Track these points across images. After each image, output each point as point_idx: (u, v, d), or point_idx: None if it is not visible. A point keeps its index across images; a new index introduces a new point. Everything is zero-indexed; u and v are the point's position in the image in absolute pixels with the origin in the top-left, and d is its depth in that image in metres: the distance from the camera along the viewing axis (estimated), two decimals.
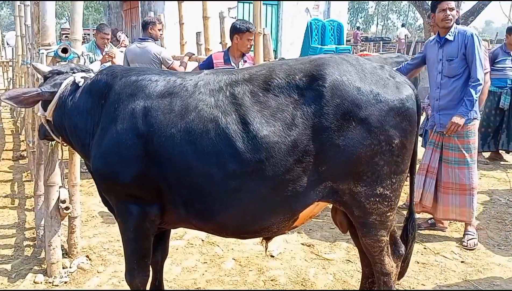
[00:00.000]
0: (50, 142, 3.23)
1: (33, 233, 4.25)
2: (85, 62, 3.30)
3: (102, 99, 2.47)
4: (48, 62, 3.19)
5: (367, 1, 54.25)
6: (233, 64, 4.70)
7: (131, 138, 2.30)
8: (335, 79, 2.22)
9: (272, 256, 3.92)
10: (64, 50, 3.19)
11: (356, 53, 10.52)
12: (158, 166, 2.29)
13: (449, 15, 3.99)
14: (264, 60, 4.57)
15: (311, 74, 2.26)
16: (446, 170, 4.18)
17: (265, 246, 2.78)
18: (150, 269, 2.73)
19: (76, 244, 3.85)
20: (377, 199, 2.34)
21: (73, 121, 2.58)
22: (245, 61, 4.82)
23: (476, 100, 3.97)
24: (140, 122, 2.30)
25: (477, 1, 14.73)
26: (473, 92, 3.91)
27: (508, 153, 7.35)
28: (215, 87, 2.33)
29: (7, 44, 14.93)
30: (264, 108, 2.23)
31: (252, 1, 5.05)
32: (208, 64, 4.74)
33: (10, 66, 12.34)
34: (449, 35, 4.06)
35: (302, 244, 4.19)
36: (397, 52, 21.65)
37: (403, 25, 27.01)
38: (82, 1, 3.34)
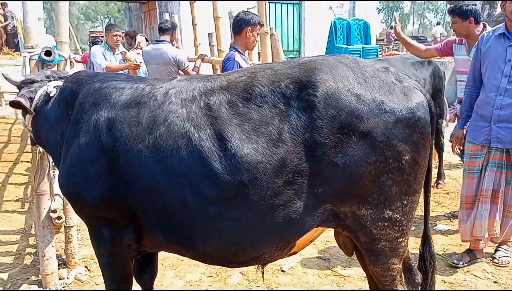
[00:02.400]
0: (38, 148, 3.06)
1: (35, 240, 4.13)
2: (72, 65, 3.12)
3: (69, 109, 2.23)
4: (32, 66, 3.03)
5: (399, 0, 53.23)
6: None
7: (94, 153, 2.04)
8: (329, 87, 1.87)
9: (283, 271, 3.63)
10: (48, 53, 3.02)
11: (385, 53, 10.06)
12: (126, 186, 2.02)
13: None
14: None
15: (299, 81, 1.92)
16: (509, 192, 3.54)
17: (261, 271, 2.42)
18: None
19: (73, 254, 3.71)
20: (386, 224, 2.00)
21: (45, 134, 2.40)
22: None
23: None
24: (104, 136, 2.04)
25: None
26: None
27: None
28: (187, 97, 2.02)
29: None
30: (244, 121, 1.91)
31: (272, 1, 4.64)
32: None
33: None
34: None
35: (317, 257, 3.88)
36: None
37: (438, 24, 26.10)
38: (68, 2, 3.17)
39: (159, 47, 5.64)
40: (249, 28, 3.95)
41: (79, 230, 4.12)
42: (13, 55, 13.07)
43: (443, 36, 22.87)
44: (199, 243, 2.05)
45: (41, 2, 3.09)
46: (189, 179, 1.92)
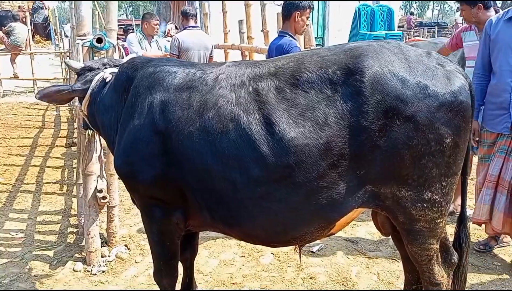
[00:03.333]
0: (87, 131, 3.23)
1: (77, 220, 4.33)
2: (121, 53, 3.25)
3: (124, 94, 2.36)
4: (84, 52, 3.17)
5: None
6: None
7: (148, 135, 2.15)
8: (375, 72, 1.93)
9: (313, 252, 3.76)
10: (99, 40, 3.16)
11: (408, 39, 10.00)
12: (178, 167, 2.13)
13: None
14: (305, 48, 4.35)
15: (346, 67, 1.98)
16: None
17: (299, 252, 2.56)
18: (180, 267, 2.66)
19: (115, 233, 3.88)
20: (425, 205, 2.07)
21: (101, 118, 2.53)
22: None
23: None
24: (157, 118, 2.14)
25: None
26: None
27: None
28: (237, 82, 2.10)
29: (65, 35, 15.56)
30: (291, 106, 1.98)
31: None
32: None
33: (68, 56, 12.85)
34: None
35: (345, 240, 4.00)
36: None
37: (458, 10, 25.57)
38: None
39: (198, 33, 5.85)
40: (298, 12, 3.89)
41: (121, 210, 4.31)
42: (44, 44, 13.33)
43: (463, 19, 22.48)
44: (244, 222, 2.15)
45: None
46: (238, 160, 2.01)
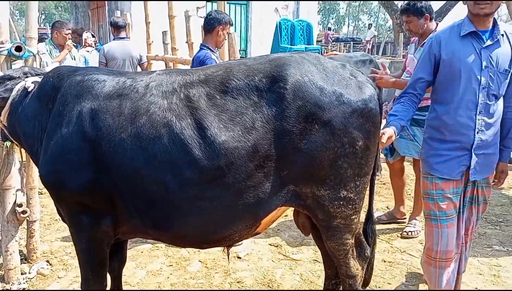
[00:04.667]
0: (5, 143, 3.10)
1: None
2: (41, 61, 3.16)
3: (49, 103, 2.33)
4: (1, 60, 3.05)
5: (338, 2, 55.11)
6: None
7: (77, 142, 2.16)
8: (297, 80, 2.12)
9: (239, 258, 3.88)
10: (18, 49, 3.05)
11: (326, 53, 10.59)
12: (108, 173, 2.16)
13: None
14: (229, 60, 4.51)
15: (271, 76, 2.15)
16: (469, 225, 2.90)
17: (227, 253, 2.69)
18: (108, 277, 2.63)
19: (35, 249, 3.72)
20: (341, 202, 2.28)
21: (23, 128, 2.46)
22: None
23: None
24: (87, 126, 2.16)
25: (445, 1, 15.09)
26: None
27: None
28: (168, 89, 2.20)
29: None
30: (221, 111, 2.12)
31: (218, 0, 4.78)
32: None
33: None
34: (499, 31, 2.60)
35: (270, 244, 4.17)
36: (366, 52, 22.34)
37: (370, 26, 27.47)
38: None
39: (125, 43, 6.05)
40: (221, 27, 4.07)
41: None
42: None
43: (376, 38, 24.20)
44: (177, 223, 2.23)
45: None
46: (171, 164, 2.09)
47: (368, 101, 2.21)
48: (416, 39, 4.20)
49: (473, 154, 2.66)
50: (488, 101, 2.59)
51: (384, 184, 5.91)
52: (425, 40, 3.78)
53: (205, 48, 4.12)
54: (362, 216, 2.60)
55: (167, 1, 6.19)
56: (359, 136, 2.18)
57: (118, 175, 2.16)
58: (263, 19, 10.95)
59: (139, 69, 6.23)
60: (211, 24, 4.08)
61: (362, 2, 49.71)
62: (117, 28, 6.08)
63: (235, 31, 11.01)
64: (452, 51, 2.63)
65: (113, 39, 6.27)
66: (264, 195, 2.18)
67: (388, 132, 2.46)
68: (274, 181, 2.17)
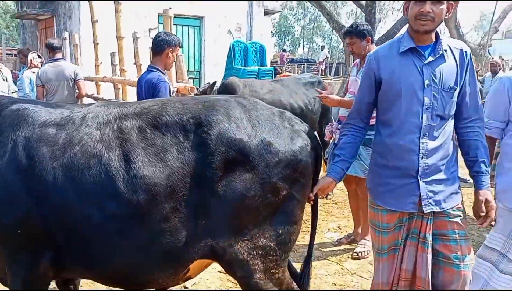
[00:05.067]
0: None
1: None
2: None
3: None
4: None
5: (293, 25, 56.51)
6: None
7: (11, 173, 2.04)
8: (222, 127, 2.07)
9: (186, 287, 3.74)
10: None
11: (280, 74, 10.71)
12: (41, 206, 2.04)
13: (429, 12, 2.25)
14: (177, 82, 4.44)
15: (198, 118, 2.11)
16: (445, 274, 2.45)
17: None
18: None
19: None
20: (260, 252, 2.17)
21: None
22: None
23: None
24: (20, 155, 2.05)
25: (392, 25, 15.71)
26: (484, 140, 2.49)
27: None
28: (103, 120, 2.14)
29: None
30: (149, 146, 2.07)
31: (173, 23, 4.70)
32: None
33: None
34: (443, 46, 2.37)
35: (219, 271, 4.05)
36: (319, 74, 22.97)
37: (323, 48, 28.26)
38: None
39: (59, 64, 5.99)
40: (171, 49, 3.96)
41: None
42: None
43: (328, 59, 24.91)
44: (101, 261, 2.12)
45: None
46: (96, 196, 2.01)
47: (298, 152, 2.17)
48: (358, 61, 4.27)
49: (420, 181, 2.38)
50: (432, 123, 2.35)
51: (336, 203, 5.95)
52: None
53: (154, 70, 3.98)
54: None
55: (115, 22, 6.08)
56: (284, 187, 2.14)
57: (49, 207, 2.04)
58: (217, 41, 10.97)
59: (90, 85, 6.15)
60: (161, 46, 3.96)
61: (315, 25, 51.34)
62: (53, 50, 6.06)
63: (188, 52, 11.00)
64: (392, 69, 2.41)
65: (48, 61, 6.22)
66: (180, 243, 2.08)
67: (321, 185, 2.40)
68: (191, 229, 2.08)
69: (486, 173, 2.44)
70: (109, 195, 2.01)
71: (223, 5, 10.86)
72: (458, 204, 2.46)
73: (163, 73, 4.01)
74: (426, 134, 2.35)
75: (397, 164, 2.43)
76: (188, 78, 5.26)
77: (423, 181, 2.37)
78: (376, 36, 15.89)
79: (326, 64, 23.73)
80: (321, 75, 23.24)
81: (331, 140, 4.47)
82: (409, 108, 2.36)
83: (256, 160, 2.07)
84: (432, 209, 2.39)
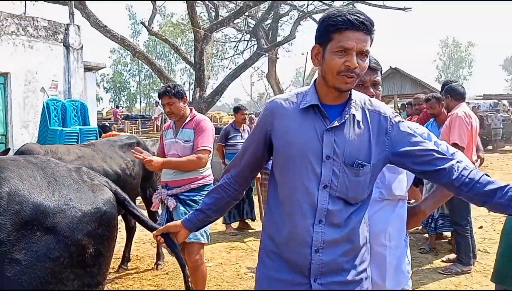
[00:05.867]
0: None
1: None
2: None
3: None
4: None
5: (128, 80, 55.94)
6: None
7: None
8: (13, 184, 1.96)
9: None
10: None
11: (111, 131, 9.95)
12: None
13: (355, 66, 1.62)
14: None
15: None
16: None
17: None
18: None
19: None
20: None
21: None
22: None
23: None
24: None
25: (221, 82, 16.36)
26: None
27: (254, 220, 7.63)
28: None
29: None
30: None
31: None
32: None
33: None
34: (354, 107, 1.74)
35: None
36: (155, 129, 22.68)
37: (157, 104, 28.30)
38: None
39: None
40: None
41: None
42: None
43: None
44: None
45: None
46: None
47: (102, 205, 2.16)
48: (172, 123, 4.15)
49: (312, 282, 1.71)
50: (330, 207, 1.69)
51: (167, 273, 5.45)
52: (184, 122, 3.96)
53: None
54: None
55: None
56: (90, 243, 2.07)
57: None
58: (27, 100, 9.74)
59: None
60: None
61: (152, 81, 51.49)
62: None
63: None
64: (287, 127, 1.75)
65: None
66: None
67: (167, 225, 2.06)
68: None
69: None
70: None
71: (32, 60, 9.75)
72: None
73: None
74: (322, 220, 1.70)
75: (286, 255, 1.77)
76: None
77: (317, 283, 1.71)
78: (208, 90, 16.33)
79: (161, 119, 23.59)
80: (156, 130, 23.01)
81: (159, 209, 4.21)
82: (302, 183, 1.71)
83: (57, 216, 1.99)
84: None
